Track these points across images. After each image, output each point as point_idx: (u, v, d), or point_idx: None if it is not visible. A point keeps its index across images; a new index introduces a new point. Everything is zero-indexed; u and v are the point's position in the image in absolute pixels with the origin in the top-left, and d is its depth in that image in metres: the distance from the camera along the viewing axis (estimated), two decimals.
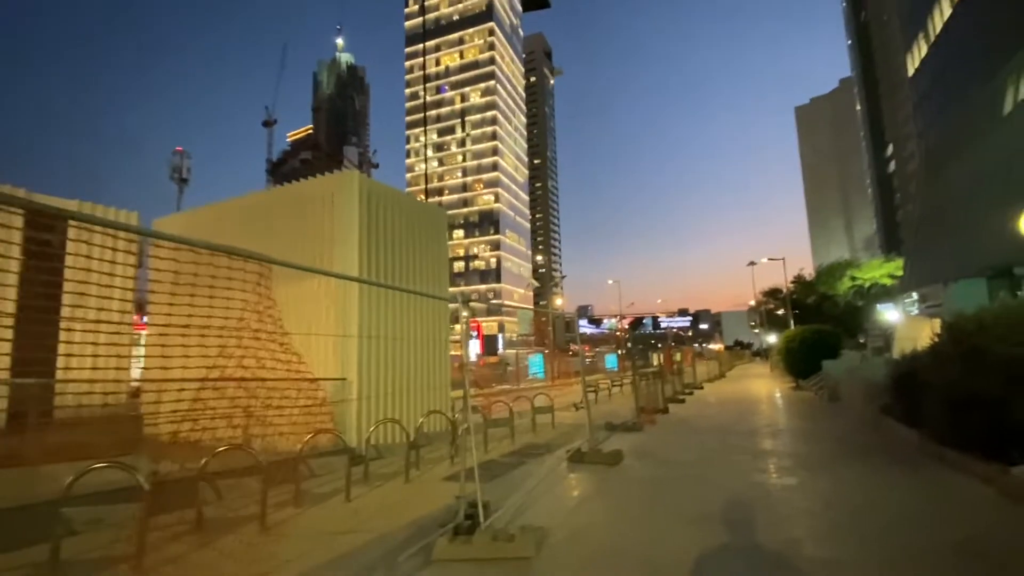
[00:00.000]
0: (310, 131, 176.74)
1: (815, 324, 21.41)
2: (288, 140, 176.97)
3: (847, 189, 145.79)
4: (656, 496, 5.39)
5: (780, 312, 49.78)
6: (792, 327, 28.06)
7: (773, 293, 52.28)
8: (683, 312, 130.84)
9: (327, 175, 8.45)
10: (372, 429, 6.62)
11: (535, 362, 30.98)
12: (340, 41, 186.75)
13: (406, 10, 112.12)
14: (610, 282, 79.58)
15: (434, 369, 9.49)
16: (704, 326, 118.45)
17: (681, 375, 20.07)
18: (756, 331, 75.56)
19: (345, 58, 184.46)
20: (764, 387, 21.59)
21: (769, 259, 38.87)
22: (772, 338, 52.62)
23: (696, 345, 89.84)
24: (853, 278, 42.14)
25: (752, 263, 52.60)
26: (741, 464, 6.74)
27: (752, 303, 63.47)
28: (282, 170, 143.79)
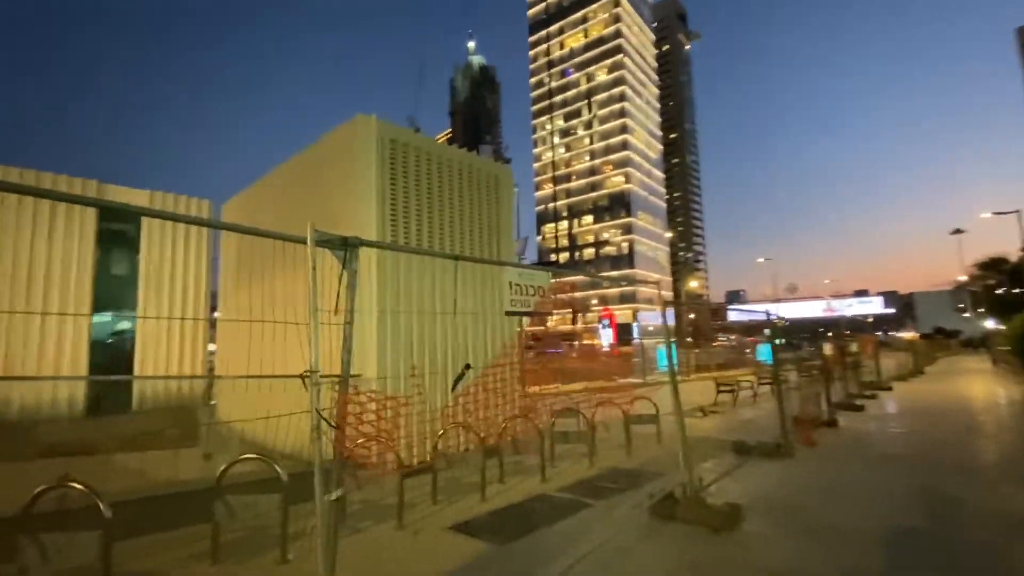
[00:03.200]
0: (449, 135, 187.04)
1: None
2: None
3: None
4: None
5: (1004, 290, 38.21)
6: None
7: (994, 264, 40.34)
8: (860, 293, 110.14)
9: (343, 124, 6.92)
10: (356, 445, 4.79)
11: (666, 353, 27.31)
12: (472, 44, 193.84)
13: None
14: (760, 260, 68.69)
15: (494, 358, 7.48)
16: (890, 310, 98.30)
17: (858, 372, 15.38)
18: (966, 315, 60.21)
19: (477, 60, 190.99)
20: (986, 388, 15.69)
21: (995, 213, 28.97)
22: (991, 323, 40.62)
23: (880, 333, 75.00)
24: None
25: (958, 231, 41.12)
26: (989, 554, 3.57)
27: (963, 278, 50.10)
28: None
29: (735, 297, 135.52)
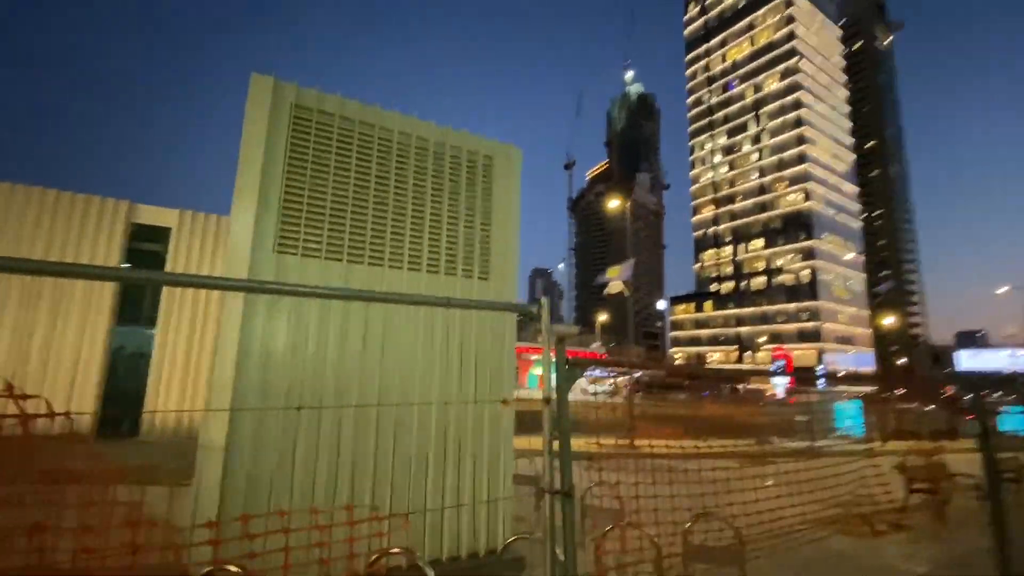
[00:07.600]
0: (606, 166, 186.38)
1: None
2: (587, 178, 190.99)
3: None
4: None
5: None
6: None
7: None
8: None
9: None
10: None
11: (847, 412, 20.62)
12: (629, 75, 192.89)
13: (685, 17, 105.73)
14: (1000, 291, 47.74)
15: (474, 426, 4.93)
16: None
17: None
18: None
19: (634, 89, 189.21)
20: None
21: None
22: None
23: None
24: None
25: None
26: None
27: None
28: (580, 205, 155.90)
29: (968, 340, 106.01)
